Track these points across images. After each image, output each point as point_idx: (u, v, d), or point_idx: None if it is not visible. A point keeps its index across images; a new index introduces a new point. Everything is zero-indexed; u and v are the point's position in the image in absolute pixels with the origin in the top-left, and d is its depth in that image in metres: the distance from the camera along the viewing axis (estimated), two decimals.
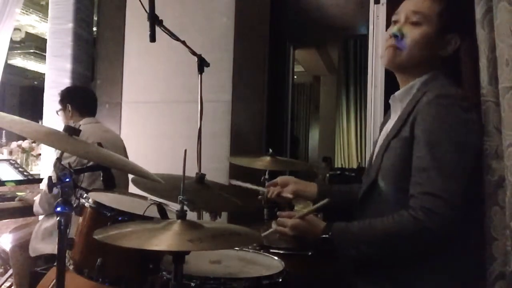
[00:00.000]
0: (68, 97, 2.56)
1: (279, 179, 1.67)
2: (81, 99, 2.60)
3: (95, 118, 2.64)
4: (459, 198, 1.14)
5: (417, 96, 1.29)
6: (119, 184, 2.47)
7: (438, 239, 1.16)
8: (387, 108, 1.43)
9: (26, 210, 2.65)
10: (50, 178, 1.20)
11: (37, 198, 2.44)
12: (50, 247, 2.27)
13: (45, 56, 3.59)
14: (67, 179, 1.17)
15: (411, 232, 1.16)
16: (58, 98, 2.59)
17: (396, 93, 1.37)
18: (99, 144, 1.36)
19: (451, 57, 1.30)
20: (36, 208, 2.40)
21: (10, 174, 2.98)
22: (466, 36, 1.30)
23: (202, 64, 1.96)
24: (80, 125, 2.48)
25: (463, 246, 1.22)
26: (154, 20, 1.56)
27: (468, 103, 1.23)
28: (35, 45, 6.96)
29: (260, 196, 1.74)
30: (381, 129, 1.50)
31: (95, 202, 1.38)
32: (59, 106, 2.58)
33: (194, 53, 1.92)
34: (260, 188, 1.71)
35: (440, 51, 1.29)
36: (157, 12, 1.57)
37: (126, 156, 2.64)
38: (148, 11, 1.55)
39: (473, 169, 1.20)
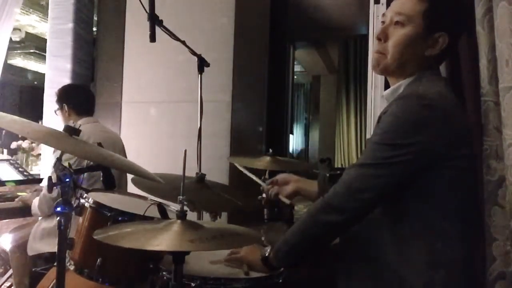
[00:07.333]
0: (64, 97, 2.53)
1: (279, 177, 1.64)
2: (77, 98, 2.55)
3: (93, 117, 2.60)
4: (368, 193, 1.16)
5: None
6: (120, 184, 2.49)
7: (339, 220, 1.19)
8: None
9: (26, 210, 2.63)
10: (50, 178, 1.20)
11: (35, 201, 2.41)
12: (49, 246, 2.26)
13: (45, 56, 3.58)
14: (67, 179, 1.17)
15: (319, 207, 1.23)
16: (55, 98, 2.56)
17: (385, 92, 1.33)
18: (99, 144, 1.36)
19: (442, 55, 1.27)
20: (34, 210, 2.38)
21: (10, 174, 2.98)
22: (457, 34, 1.28)
23: (202, 64, 1.96)
24: (80, 125, 2.47)
25: (444, 239, 1.15)
26: (154, 20, 1.55)
27: (433, 102, 1.15)
28: (35, 45, 6.93)
29: (260, 197, 1.73)
30: None
31: (95, 202, 1.38)
32: (56, 106, 2.55)
33: (194, 53, 1.92)
34: (261, 183, 1.69)
35: (427, 51, 1.24)
36: (157, 12, 1.57)
37: (125, 156, 2.62)
38: (148, 11, 1.55)
39: (415, 168, 1.14)
